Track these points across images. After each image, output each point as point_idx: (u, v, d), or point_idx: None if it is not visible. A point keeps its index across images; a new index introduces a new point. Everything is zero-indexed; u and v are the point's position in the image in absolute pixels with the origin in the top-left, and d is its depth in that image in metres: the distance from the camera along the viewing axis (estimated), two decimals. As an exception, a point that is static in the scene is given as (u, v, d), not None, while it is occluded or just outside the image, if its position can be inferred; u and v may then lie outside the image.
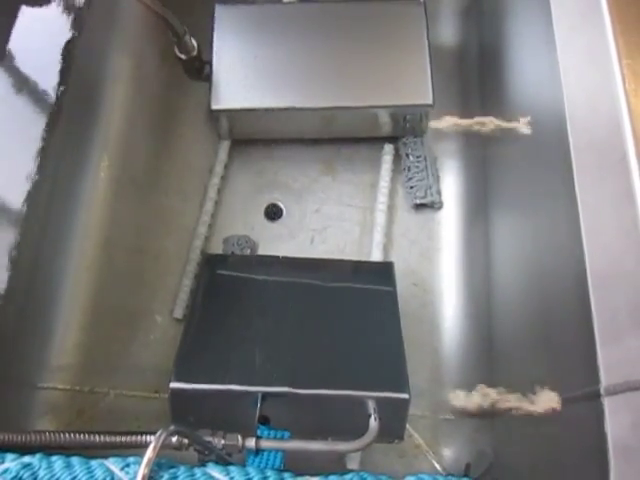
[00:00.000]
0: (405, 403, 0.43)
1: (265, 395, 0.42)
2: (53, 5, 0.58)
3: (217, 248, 0.60)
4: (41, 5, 0.56)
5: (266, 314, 0.49)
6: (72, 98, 0.58)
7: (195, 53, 0.57)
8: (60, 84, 0.56)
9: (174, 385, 0.43)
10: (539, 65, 0.46)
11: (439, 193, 0.60)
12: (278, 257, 0.53)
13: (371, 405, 0.42)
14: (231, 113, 0.57)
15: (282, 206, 0.61)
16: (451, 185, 0.62)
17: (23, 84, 0.53)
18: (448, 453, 0.54)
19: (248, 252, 0.58)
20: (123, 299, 0.59)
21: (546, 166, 0.44)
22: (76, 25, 0.59)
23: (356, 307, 0.50)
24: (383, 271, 0.53)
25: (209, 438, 0.40)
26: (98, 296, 0.58)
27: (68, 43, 0.57)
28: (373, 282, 0.52)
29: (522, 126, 0.51)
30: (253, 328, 0.48)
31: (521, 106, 0.52)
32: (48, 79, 0.56)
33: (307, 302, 0.50)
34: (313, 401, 0.43)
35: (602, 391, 0.31)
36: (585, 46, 0.38)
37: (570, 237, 0.38)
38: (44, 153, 0.53)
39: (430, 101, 0.56)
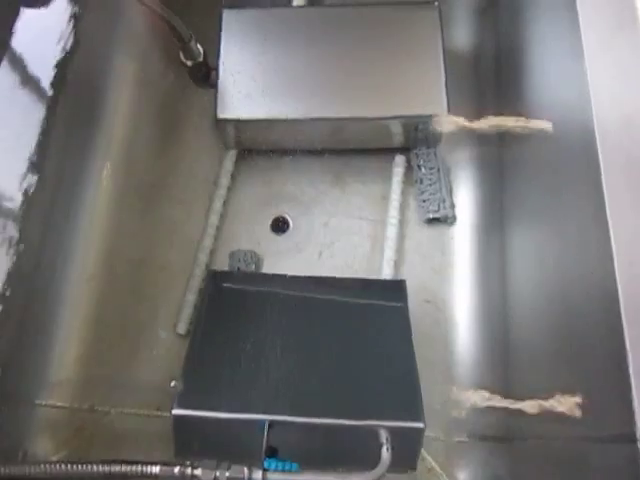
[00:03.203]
0: (420, 433, 0.41)
1: (272, 423, 0.40)
2: (54, 7, 0.56)
3: (222, 261, 0.58)
4: (40, 7, 0.55)
5: (273, 336, 0.47)
6: (74, 102, 0.56)
7: (201, 59, 0.55)
8: (62, 88, 0.54)
9: (177, 412, 0.41)
10: (564, 75, 0.44)
11: (452, 207, 0.58)
12: (285, 276, 0.51)
13: (384, 434, 0.40)
14: (237, 123, 0.55)
15: (289, 219, 0.59)
16: (465, 197, 0.59)
17: (23, 87, 0.51)
18: (462, 477, 0.52)
19: (253, 267, 0.56)
20: (125, 313, 0.57)
21: (571, 181, 0.42)
22: (78, 28, 0.57)
23: (367, 329, 0.48)
24: (394, 290, 0.51)
25: (214, 470, 0.38)
26: (99, 309, 0.56)
27: (70, 47, 0.56)
28: (384, 302, 0.50)
29: (543, 136, 0.48)
30: (259, 351, 0.46)
31: (542, 116, 0.49)
32: (49, 83, 0.54)
33: (316, 324, 0.48)
34: (323, 431, 0.41)
35: (638, 435, 0.29)
36: (616, 60, 0.36)
37: (599, 257, 0.35)
38: (45, 160, 0.52)
39: (445, 111, 0.53)
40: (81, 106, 0.59)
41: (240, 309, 0.50)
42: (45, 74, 0.54)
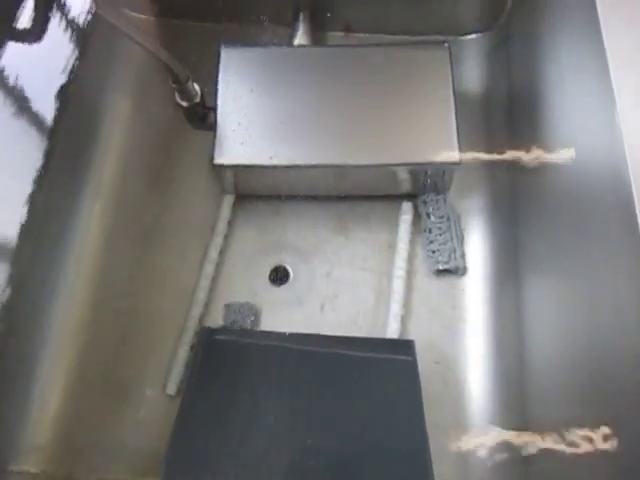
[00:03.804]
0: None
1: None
2: (50, 42, 0.54)
3: (217, 313, 0.54)
4: (28, 41, 0.52)
5: (270, 403, 0.43)
6: (65, 138, 0.54)
7: (198, 100, 0.52)
8: (59, 123, 0.52)
9: (161, 494, 0.37)
10: (590, 114, 0.41)
11: (463, 257, 0.54)
12: (285, 334, 0.47)
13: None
14: (235, 168, 0.52)
15: (289, 269, 0.55)
16: (477, 247, 0.56)
17: (14, 121, 0.49)
18: None
19: (252, 319, 0.52)
20: (110, 369, 0.52)
21: (600, 230, 0.39)
22: (74, 64, 0.55)
23: (373, 396, 0.44)
24: (402, 351, 0.47)
25: None
26: (82, 364, 0.52)
27: (69, 82, 0.54)
28: (391, 366, 0.46)
29: (565, 180, 0.45)
30: (255, 420, 0.42)
31: (562, 159, 0.46)
32: (42, 117, 0.52)
33: (318, 390, 0.45)
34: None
35: None
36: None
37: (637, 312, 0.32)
38: (32, 199, 0.49)
39: (457, 159, 0.50)
40: (73, 143, 0.56)
41: (235, 371, 0.46)
42: (44, 108, 0.52)
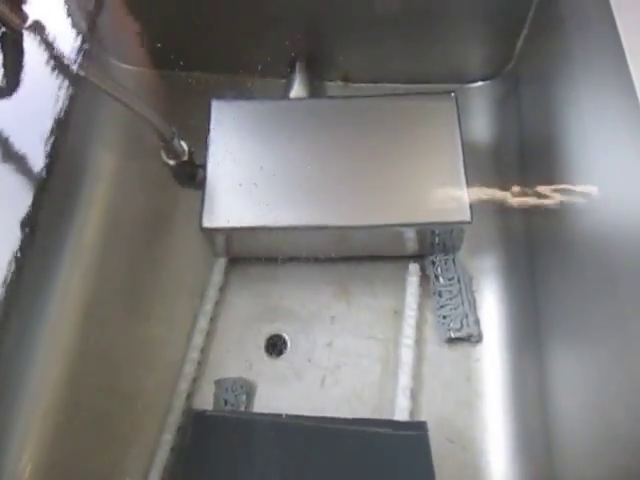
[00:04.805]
0: None
1: None
2: (34, 97, 0.51)
3: (207, 389, 0.49)
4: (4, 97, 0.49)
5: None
6: (45, 196, 0.50)
7: (185, 158, 0.49)
8: (35, 180, 0.48)
9: None
10: (618, 164, 0.37)
11: (477, 323, 0.50)
12: (282, 416, 0.43)
13: None
14: (227, 231, 0.48)
15: (287, 338, 0.51)
16: (492, 311, 0.51)
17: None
18: None
19: (244, 398, 0.47)
20: (86, 455, 0.47)
21: (633, 285, 0.34)
22: (58, 119, 0.52)
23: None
24: (413, 434, 0.42)
25: None
26: (53, 449, 0.47)
27: (47, 138, 0.50)
28: (401, 445, 0.42)
29: (589, 233, 0.41)
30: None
31: (586, 214, 0.42)
32: (22, 173, 0.48)
33: (320, 474, 0.40)
34: None
35: None
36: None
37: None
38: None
39: (467, 217, 0.46)
40: (53, 201, 0.52)
41: (227, 459, 0.42)
42: (25, 164, 0.48)
